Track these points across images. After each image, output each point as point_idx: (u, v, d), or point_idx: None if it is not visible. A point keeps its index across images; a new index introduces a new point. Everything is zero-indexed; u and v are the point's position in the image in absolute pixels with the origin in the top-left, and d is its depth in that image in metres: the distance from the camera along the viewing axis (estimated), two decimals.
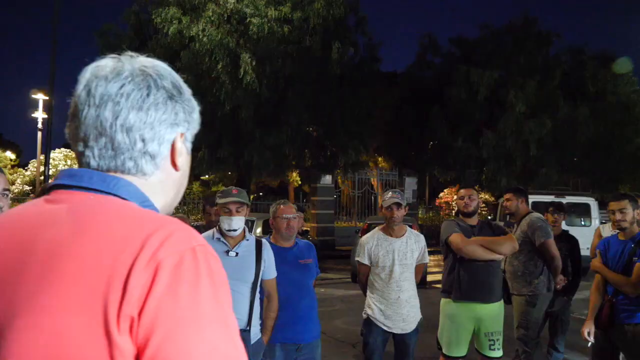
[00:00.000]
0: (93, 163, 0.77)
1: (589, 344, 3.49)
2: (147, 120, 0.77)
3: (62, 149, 18.02)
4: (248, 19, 12.75)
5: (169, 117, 0.79)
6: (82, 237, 0.67)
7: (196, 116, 0.86)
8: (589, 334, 3.44)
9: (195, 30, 12.51)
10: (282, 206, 3.20)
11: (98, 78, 0.77)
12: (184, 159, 0.84)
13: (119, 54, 0.83)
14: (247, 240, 2.89)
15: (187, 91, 0.84)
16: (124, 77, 0.77)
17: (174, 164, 0.82)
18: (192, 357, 0.62)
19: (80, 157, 0.79)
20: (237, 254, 2.82)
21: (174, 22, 12.68)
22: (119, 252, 0.65)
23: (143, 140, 0.77)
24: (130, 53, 0.83)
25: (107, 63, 0.79)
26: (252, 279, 2.80)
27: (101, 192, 0.74)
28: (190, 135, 0.85)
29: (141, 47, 13.92)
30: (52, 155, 15.94)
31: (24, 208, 0.78)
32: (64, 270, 0.65)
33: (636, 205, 3.40)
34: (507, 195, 4.35)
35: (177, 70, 0.87)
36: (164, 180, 0.82)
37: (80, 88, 0.78)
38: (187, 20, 12.74)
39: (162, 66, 0.82)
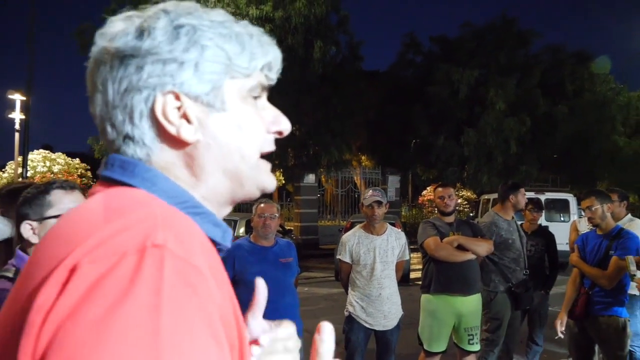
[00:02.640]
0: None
1: (560, 334, 3.60)
2: (106, 99, 0.60)
3: (41, 150, 17.70)
4: None
5: (130, 81, 0.58)
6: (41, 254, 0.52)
7: (200, 56, 0.59)
8: (560, 324, 3.55)
9: None
10: (262, 205, 3.20)
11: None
12: (204, 124, 0.60)
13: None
14: None
15: (170, 30, 0.59)
16: (94, 51, 0.62)
17: (171, 137, 0.59)
18: None
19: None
20: None
21: None
22: (45, 265, 0.48)
23: (113, 125, 0.60)
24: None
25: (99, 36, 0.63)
26: None
27: (122, 183, 0.59)
28: (198, 88, 0.59)
29: None
30: (30, 157, 15.64)
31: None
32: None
33: (604, 200, 3.47)
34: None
35: None
36: (175, 161, 0.61)
37: None
38: None
39: (152, 9, 0.61)
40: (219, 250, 0.64)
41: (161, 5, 0.61)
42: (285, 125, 0.69)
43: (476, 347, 3.85)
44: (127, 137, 0.60)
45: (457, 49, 18.67)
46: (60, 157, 17.40)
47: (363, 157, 21.21)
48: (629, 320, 3.46)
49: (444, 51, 19.41)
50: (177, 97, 0.59)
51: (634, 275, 3.30)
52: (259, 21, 12.83)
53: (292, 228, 15.97)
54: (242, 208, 19.09)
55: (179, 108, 0.59)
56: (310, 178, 18.03)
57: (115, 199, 0.56)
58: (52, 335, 0.41)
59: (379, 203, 3.59)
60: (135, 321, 0.41)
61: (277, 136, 0.68)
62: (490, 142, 16.96)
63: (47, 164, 16.75)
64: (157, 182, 0.59)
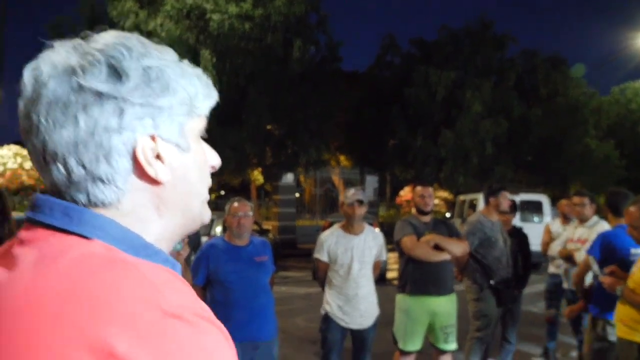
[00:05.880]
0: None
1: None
2: (77, 136, 0.56)
3: (12, 145, 17.24)
4: (208, 15, 12.57)
5: (108, 121, 0.57)
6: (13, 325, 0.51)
7: (175, 99, 0.61)
8: None
9: (153, 25, 12.24)
10: (235, 204, 3.18)
11: (23, 90, 0.60)
12: (174, 164, 0.62)
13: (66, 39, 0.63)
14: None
15: (142, 70, 0.59)
16: (40, 83, 0.58)
17: (148, 178, 0.60)
18: None
19: None
20: None
21: (131, 15, 12.36)
22: (50, 337, 0.49)
23: (83, 166, 0.57)
24: (82, 36, 0.63)
25: (36, 62, 0.60)
26: None
27: (64, 231, 0.57)
28: (171, 129, 0.61)
29: None
30: (0, 152, 15.24)
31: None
32: None
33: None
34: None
35: None
36: (145, 202, 0.61)
37: None
38: (145, 15, 12.44)
39: (105, 43, 0.60)
40: None
41: (113, 39, 0.60)
42: (217, 161, 0.71)
43: (452, 346, 3.89)
44: (98, 179, 0.58)
45: (435, 51, 18.88)
46: None
47: (341, 157, 21.27)
48: None
49: (422, 53, 19.60)
50: (153, 139, 0.60)
51: (597, 275, 3.39)
52: (238, 19, 12.75)
53: (269, 228, 15.91)
54: (220, 207, 18.95)
55: (152, 149, 0.60)
56: (289, 177, 18.01)
57: (86, 260, 0.54)
58: None
59: (361, 202, 3.61)
60: None
61: (212, 170, 0.71)
62: (466, 144, 17.19)
63: (19, 160, 16.32)
64: (106, 229, 0.58)
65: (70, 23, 13.89)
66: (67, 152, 0.57)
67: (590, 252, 3.61)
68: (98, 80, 0.57)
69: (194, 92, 0.64)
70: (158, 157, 0.60)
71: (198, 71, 0.67)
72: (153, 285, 0.53)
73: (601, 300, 3.36)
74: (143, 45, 0.61)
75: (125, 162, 0.59)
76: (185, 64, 0.66)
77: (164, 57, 0.63)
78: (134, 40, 0.61)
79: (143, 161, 0.59)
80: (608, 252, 3.45)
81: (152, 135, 0.59)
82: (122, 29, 12.40)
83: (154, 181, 0.60)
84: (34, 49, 0.65)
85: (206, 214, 0.69)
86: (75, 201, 0.59)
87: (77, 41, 0.61)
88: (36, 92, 0.58)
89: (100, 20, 13.84)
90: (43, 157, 0.58)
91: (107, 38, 0.61)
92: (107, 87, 0.57)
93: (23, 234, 0.59)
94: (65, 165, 0.57)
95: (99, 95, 0.57)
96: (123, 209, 0.60)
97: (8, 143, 18.07)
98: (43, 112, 0.57)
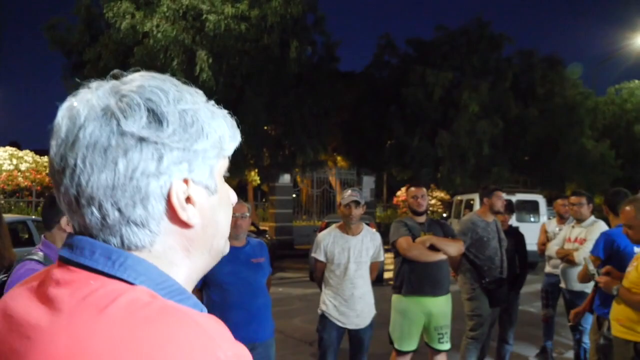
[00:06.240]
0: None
1: None
2: (116, 179, 0.56)
3: (8, 148, 17.17)
4: (204, 16, 12.54)
5: (147, 166, 0.57)
6: None
7: (208, 142, 0.61)
8: None
9: (149, 25, 12.20)
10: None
11: (54, 132, 0.59)
12: (204, 206, 0.62)
13: (96, 79, 0.62)
14: None
15: (179, 114, 0.59)
16: (78, 125, 0.57)
17: (180, 221, 0.60)
18: None
19: None
20: None
21: (127, 16, 12.32)
22: None
23: (119, 210, 0.57)
24: (113, 76, 0.62)
25: (70, 102, 0.59)
26: None
27: (105, 274, 0.56)
28: (202, 173, 0.61)
29: (92, 42, 13.48)
30: None
31: (28, 290, 0.60)
32: None
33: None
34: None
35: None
36: (175, 245, 0.61)
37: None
38: (141, 16, 12.41)
39: (141, 85, 0.59)
40: None
41: (148, 82, 0.60)
42: (235, 198, 0.72)
43: (446, 346, 3.91)
44: (133, 222, 0.58)
45: (432, 51, 18.90)
46: (27, 155, 16.89)
47: (338, 158, 21.26)
48: None
49: (419, 53, 19.62)
50: (186, 182, 0.60)
51: (593, 274, 3.40)
52: (235, 19, 12.73)
53: (266, 228, 15.90)
54: None
55: (184, 192, 0.60)
56: (286, 178, 17.99)
57: (137, 308, 0.53)
58: None
59: (357, 203, 3.61)
60: None
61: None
62: (463, 144, 17.21)
63: (14, 161, 16.25)
64: (149, 274, 0.58)
65: (66, 24, 13.86)
66: (104, 196, 0.56)
67: (593, 251, 3.63)
68: (139, 125, 0.57)
69: (223, 134, 0.64)
70: (189, 199, 0.60)
71: (224, 112, 0.67)
72: (208, 335, 0.53)
73: (607, 300, 3.37)
74: (177, 88, 0.61)
75: (160, 206, 0.59)
76: (212, 104, 0.66)
77: (197, 100, 0.63)
78: (169, 83, 0.61)
79: (177, 205, 0.59)
80: (612, 252, 3.47)
81: (185, 179, 0.60)
82: (119, 30, 12.41)
83: (185, 224, 0.60)
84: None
85: (227, 248, 0.70)
86: (107, 244, 0.59)
87: (113, 82, 0.61)
88: (73, 134, 0.57)
89: (96, 22, 13.82)
90: (76, 200, 0.57)
91: (142, 80, 0.60)
92: (149, 133, 0.57)
93: (58, 274, 0.58)
94: (100, 208, 0.57)
95: (140, 140, 0.56)
96: (155, 252, 0.60)
97: (4, 145, 18.00)
98: (81, 155, 0.56)
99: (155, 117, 0.57)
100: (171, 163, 0.58)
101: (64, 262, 0.59)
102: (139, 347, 0.49)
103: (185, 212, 0.60)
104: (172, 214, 0.59)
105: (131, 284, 0.56)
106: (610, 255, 3.47)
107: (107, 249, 0.57)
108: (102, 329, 0.51)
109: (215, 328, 0.55)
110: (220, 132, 0.63)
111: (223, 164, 0.66)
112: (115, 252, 0.57)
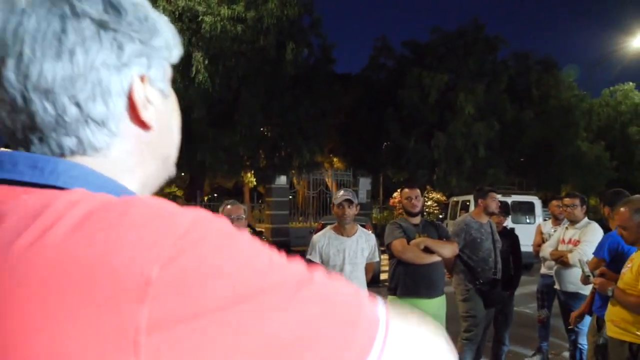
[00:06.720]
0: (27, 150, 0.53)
1: None
2: (74, 70, 0.50)
3: (3, 149, 17.08)
4: (200, 17, 12.55)
5: (107, 57, 0.51)
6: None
7: (161, 41, 0.57)
8: None
9: None
10: (228, 207, 3.18)
11: None
12: (159, 109, 0.57)
13: None
14: None
15: (134, 5, 0.54)
16: (19, 9, 0.49)
17: (140, 122, 0.55)
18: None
19: (11, 145, 0.54)
20: None
21: None
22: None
23: (77, 104, 0.51)
24: None
25: None
26: None
27: (34, 185, 0.49)
28: (158, 73, 0.57)
29: None
30: None
31: None
32: None
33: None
34: None
35: None
36: (132, 149, 0.56)
37: None
38: None
39: None
40: None
41: None
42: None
43: None
44: (92, 120, 0.52)
45: (428, 53, 18.97)
46: None
47: (335, 159, 21.30)
48: None
49: (415, 56, 19.68)
50: (143, 80, 0.55)
51: (589, 276, 3.41)
52: (231, 21, 12.74)
53: (263, 230, 15.89)
54: (213, 210, 18.81)
55: (144, 90, 0.55)
56: (282, 180, 17.99)
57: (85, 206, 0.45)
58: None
59: (350, 202, 3.60)
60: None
61: None
62: (459, 146, 17.27)
63: None
64: (88, 179, 0.51)
65: None
66: (60, 89, 0.50)
67: (597, 254, 3.63)
68: (97, 9, 0.51)
69: (169, 37, 0.59)
70: (148, 100, 0.56)
71: (166, 18, 0.62)
72: (162, 205, 0.47)
73: (608, 302, 3.39)
74: None
75: (121, 103, 0.53)
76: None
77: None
78: None
79: (139, 103, 0.54)
80: (617, 254, 3.47)
81: (142, 76, 0.55)
82: None
83: (144, 125, 0.56)
84: None
85: (174, 161, 0.65)
86: (61, 147, 0.52)
87: None
88: (13, 21, 0.49)
89: None
90: (22, 95, 0.49)
91: None
92: (108, 18, 0.51)
93: None
94: (55, 103, 0.50)
95: (100, 25, 0.51)
96: (111, 157, 0.54)
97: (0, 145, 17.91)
98: (28, 42, 0.49)
99: (111, 4, 0.52)
100: (132, 55, 0.53)
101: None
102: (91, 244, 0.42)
103: (147, 112, 0.55)
104: (132, 114, 0.55)
105: (68, 190, 0.48)
106: (615, 257, 3.47)
107: (31, 158, 0.50)
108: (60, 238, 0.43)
109: (168, 203, 0.48)
110: (167, 34, 0.58)
111: (170, 70, 0.60)
112: (42, 160, 0.50)
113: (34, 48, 0.49)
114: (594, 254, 3.78)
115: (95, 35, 0.50)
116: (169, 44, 0.59)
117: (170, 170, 0.64)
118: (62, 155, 0.52)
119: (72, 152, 0.52)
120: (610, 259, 3.51)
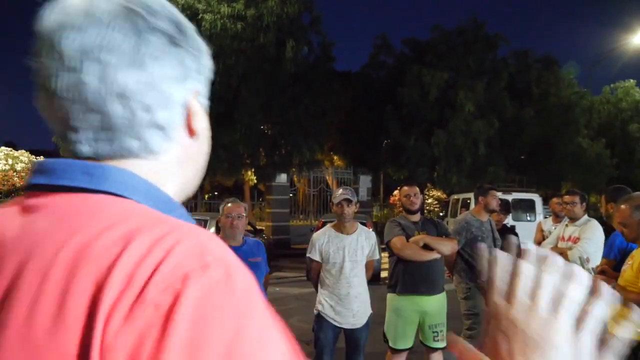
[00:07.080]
0: (86, 149, 0.55)
1: None
2: (147, 79, 0.55)
3: (3, 148, 17.10)
4: (200, 15, 12.54)
5: (173, 70, 0.57)
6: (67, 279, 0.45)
7: (206, 61, 0.63)
8: None
9: None
10: (229, 205, 3.19)
11: (63, 27, 0.53)
12: (203, 122, 0.64)
13: None
14: None
15: (189, 27, 0.61)
16: (101, 20, 0.53)
17: (190, 130, 0.61)
18: None
19: (65, 142, 0.56)
20: None
21: None
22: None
23: (147, 109, 0.55)
24: None
25: (72, 2, 0.54)
26: None
27: (87, 190, 0.52)
28: (204, 88, 0.63)
29: None
30: None
31: None
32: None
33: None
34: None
35: None
36: (180, 155, 0.61)
37: (39, 43, 0.54)
38: None
39: None
40: None
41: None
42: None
43: (441, 344, 3.91)
44: (156, 125, 0.57)
45: (428, 51, 18.95)
46: (23, 155, 16.83)
47: (335, 157, 21.28)
48: None
49: (415, 53, 19.66)
50: (196, 94, 0.62)
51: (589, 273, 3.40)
52: (231, 19, 12.73)
53: (263, 228, 15.89)
54: (213, 208, 18.88)
55: (198, 102, 0.62)
56: (282, 178, 17.99)
57: (107, 211, 0.51)
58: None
59: (349, 201, 3.61)
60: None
61: None
62: (459, 144, 17.25)
63: (10, 161, 16.19)
64: (135, 185, 0.55)
65: None
66: (135, 94, 0.54)
67: (608, 255, 3.61)
68: (168, 26, 0.57)
69: (209, 58, 0.65)
70: (198, 112, 0.62)
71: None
72: (198, 239, 0.49)
73: None
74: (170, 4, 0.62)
75: (179, 112, 0.59)
76: None
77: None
78: None
79: (196, 114, 0.61)
80: (625, 252, 3.46)
81: (197, 90, 0.61)
82: None
83: (195, 135, 0.62)
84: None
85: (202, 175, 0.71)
86: (123, 147, 0.56)
87: None
88: (98, 30, 0.53)
89: None
90: (100, 98, 0.53)
91: None
92: (177, 34, 0.58)
93: (28, 201, 0.53)
94: (127, 106, 0.54)
95: (170, 40, 0.57)
96: (162, 160, 0.59)
97: None
98: (109, 51, 0.53)
99: (177, 23, 0.59)
100: (191, 69, 0.60)
101: (32, 189, 0.54)
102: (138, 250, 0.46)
103: (197, 122, 0.61)
104: (187, 123, 0.60)
105: (116, 195, 0.53)
106: (624, 256, 3.46)
107: (84, 165, 0.54)
108: (96, 234, 0.47)
109: (204, 232, 0.52)
110: (208, 55, 0.65)
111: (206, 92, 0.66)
112: (93, 167, 0.54)
113: (115, 57, 0.53)
114: (604, 256, 3.75)
115: (166, 49, 0.57)
116: (210, 63, 0.65)
117: (200, 177, 0.68)
118: (122, 156, 0.57)
119: (131, 153, 0.57)
120: (621, 258, 3.48)
